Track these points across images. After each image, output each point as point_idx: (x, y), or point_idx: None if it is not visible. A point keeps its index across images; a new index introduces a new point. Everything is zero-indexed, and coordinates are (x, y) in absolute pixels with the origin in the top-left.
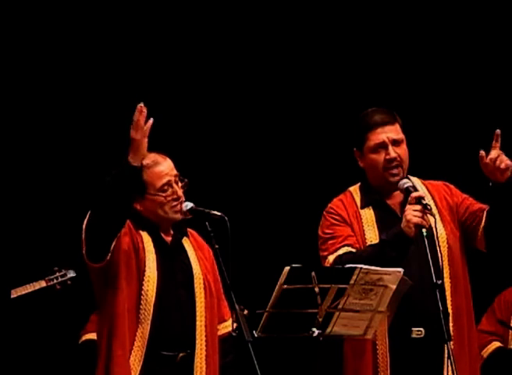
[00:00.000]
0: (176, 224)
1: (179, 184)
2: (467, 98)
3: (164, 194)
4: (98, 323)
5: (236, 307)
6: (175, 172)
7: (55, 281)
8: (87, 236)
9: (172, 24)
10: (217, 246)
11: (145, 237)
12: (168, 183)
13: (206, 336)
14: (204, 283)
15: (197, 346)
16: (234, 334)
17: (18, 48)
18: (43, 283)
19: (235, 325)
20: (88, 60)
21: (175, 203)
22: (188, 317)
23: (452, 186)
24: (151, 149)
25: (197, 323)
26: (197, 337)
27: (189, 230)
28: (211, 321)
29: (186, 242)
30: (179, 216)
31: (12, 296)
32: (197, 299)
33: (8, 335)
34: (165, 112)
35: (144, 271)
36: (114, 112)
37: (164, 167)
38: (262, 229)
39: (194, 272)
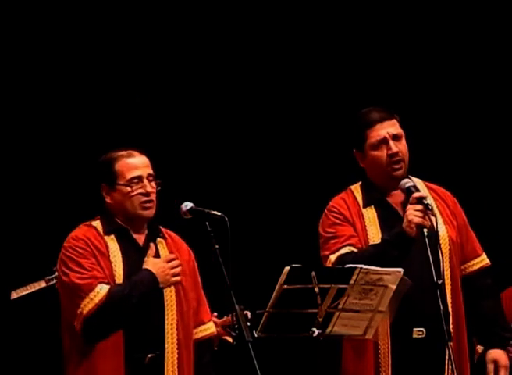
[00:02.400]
0: (151, 224)
1: (152, 183)
2: (467, 98)
3: (132, 186)
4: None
5: (236, 307)
6: (149, 170)
7: (55, 281)
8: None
9: (170, 25)
10: (217, 246)
11: (111, 243)
12: (139, 178)
13: (178, 339)
14: (177, 287)
15: (168, 348)
16: (234, 334)
17: (18, 48)
18: (43, 284)
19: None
20: (87, 60)
21: (144, 199)
22: (156, 320)
23: (457, 201)
24: (150, 150)
25: (167, 326)
26: (167, 339)
27: (167, 231)
28: (186, 325)
29: (161, 244)
30: (147, 213)
31: (12, 297)
32: (166, 302)
33: (9, 336)
34: (166, 112)
35: (114, 275)
36: (114, 114)
37: (137, 161)
38: (262, 229)
39: None
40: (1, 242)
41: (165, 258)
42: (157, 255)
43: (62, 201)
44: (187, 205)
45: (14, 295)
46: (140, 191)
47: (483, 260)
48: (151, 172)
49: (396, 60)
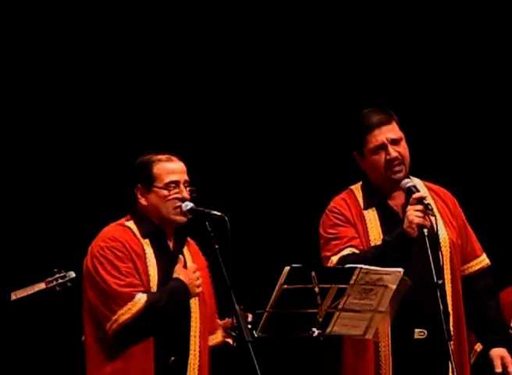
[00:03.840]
0: (178, 231)
1: (187, 189)
2: (467, 98)
3: (169, 190)
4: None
5: (236, 307)
6: (185, 176)
7: (55, 283)
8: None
9: (174, 27)
10: (217, 246)
11: (146, 246)
12: (176, 182)
13: (200, 345)
14: (199, 293)
15: (191, 354)
16: (234, 334)
17: (18, 48)
18: (42, 285)
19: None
20: (90, 61)
21: (178, 204)
22: (182, 327)
23: (456, 201)
24: (150, 150)
25: (192, 332)
26: (191, 345)
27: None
28: (204, 331)
29: (185, 251)
30: (180, 218)
31: (11, 299)
32: (192, 309)
33: (9, 338)
34: (166, 113)
35: (149, 280)
36: (115, 114)
37: (176, 166)
38: (262, 229)
39: None
40: (1, 243)
41: (191, 269)
42: (184, 264)
43: (63, 202)
44: (187, 205)
45: (13, 297)
46: (176, 195)
47: (482, 261)
48: (187, 178)
49: (395, 61)
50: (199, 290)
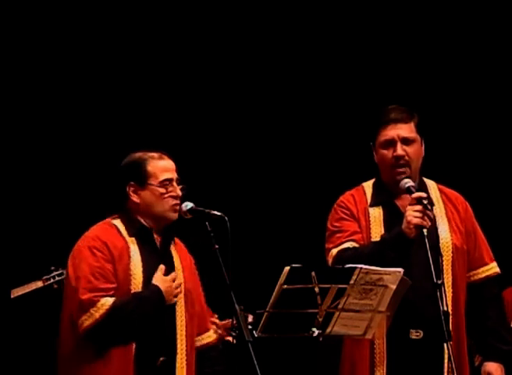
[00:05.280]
0: (166, 229)
1: (179, 186)
2: (484, 102)
3: (166, 188)
4: None
5: (236, 307)
6: (176, 174)
7: (52, 281)
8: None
9: (174, 26)
10: (217, 246)
11: (132, 245)
12: (170, 180)
13: (186, 346)
14: (186, 293)
15: (179, 354)
16: (234, 334)
17: (18, 48)
18: (40, 284)
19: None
20: (89, 61)
21: (174, 201)
22: (168, 329)
23: (469, 207)
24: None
25: (178, 331)
26: (178, 345)
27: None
28: (191, 332)
29: (172, 249)
30: (175, 216)
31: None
32: (177, 308)
33: (7, 336)
34: (166, 112)
35: (130, 279)
36: (113, 113)
37: (168, 164)
38: (262, 229)
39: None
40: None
41: (170, 277)
42: (171, 261)
43: (61, 201)
44: (187, 205)
45: (11, 295)
46: (172, 193)
47: (490, 269)
48: (177, 176)
49: (411, 62)
50: (175, 299)
